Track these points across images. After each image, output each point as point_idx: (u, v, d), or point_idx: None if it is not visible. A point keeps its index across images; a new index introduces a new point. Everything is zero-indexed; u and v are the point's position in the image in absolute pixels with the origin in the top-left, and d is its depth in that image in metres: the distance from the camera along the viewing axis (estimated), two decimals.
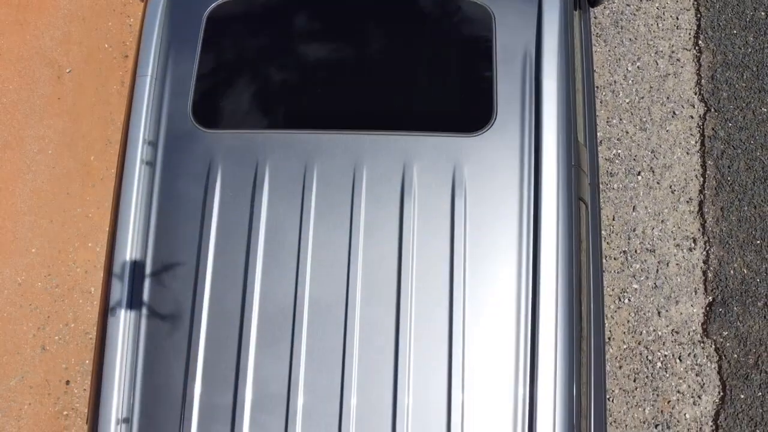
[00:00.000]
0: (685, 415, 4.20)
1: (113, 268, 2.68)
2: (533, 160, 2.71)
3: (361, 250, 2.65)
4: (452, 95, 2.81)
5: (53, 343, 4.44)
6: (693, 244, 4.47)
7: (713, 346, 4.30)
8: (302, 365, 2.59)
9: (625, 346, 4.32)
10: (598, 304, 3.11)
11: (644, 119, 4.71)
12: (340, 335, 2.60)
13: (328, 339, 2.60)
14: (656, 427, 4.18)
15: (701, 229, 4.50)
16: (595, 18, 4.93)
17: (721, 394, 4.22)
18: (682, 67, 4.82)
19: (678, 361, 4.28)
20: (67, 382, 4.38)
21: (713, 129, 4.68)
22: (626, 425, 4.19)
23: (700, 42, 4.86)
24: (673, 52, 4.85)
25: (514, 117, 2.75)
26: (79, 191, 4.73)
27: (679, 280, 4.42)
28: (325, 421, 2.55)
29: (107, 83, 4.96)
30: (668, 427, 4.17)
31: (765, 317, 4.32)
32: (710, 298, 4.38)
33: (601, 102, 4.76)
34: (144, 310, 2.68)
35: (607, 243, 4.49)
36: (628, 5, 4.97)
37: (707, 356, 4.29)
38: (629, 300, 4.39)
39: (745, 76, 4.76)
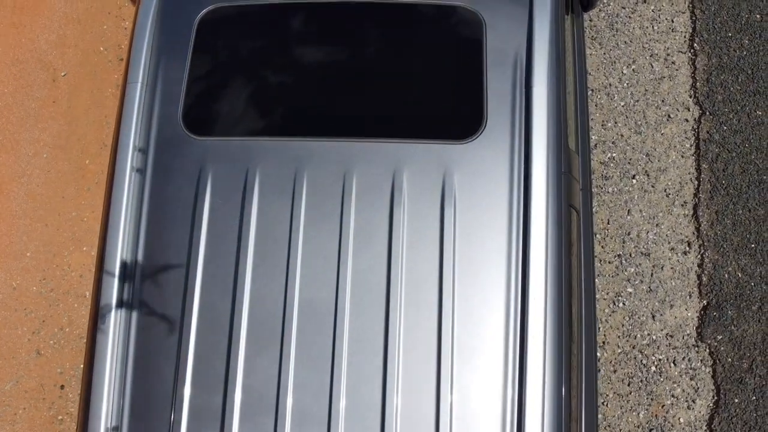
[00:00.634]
0: (679, 419, 4.20)
1: (103, 274, 2.67)
2: (523, 167, 2.71)
3: (350, 256, 2.65)
4: (442, 102, 2.81)
5: (48, 347, 4.44)
6: (688, 248, 4.47)
7: (707, 350, 4.30)
8: (291, 367, 2.59)
9: (619, 350, 4.32)
10: (590, 309, 3.11)
11: (639, 122, 4.71)
12: (330, 339, 2.61)
13: (317, 342, 2.60)
14: (650, 431, 4.18)
15: (696, 232, 4.50)
16: (590, 21, 4.93)
17: (716, 398, 4.22)
18: (677, 70, 4.81)
19: (672, 365, 4.28)
20: (62, 387, 4.38)
21: (708, 132, 4.67)
22: (620, 429, 4.19)
23: (695, 45, 4.86)
24: (668, 54, 4.85)
25: (504, 124, 2.75)
26: (74, 195, 4.73)
27: (673, 283, 4.42)
28: (315, 423, 2.55)
29: (102, 86, 4.96)
30: None
31: (759, 321, 4.32)
32: (705, 301, 4.38)
33: (596, 105, 4.76)
34: (134, 316, 2.68)
35: (602, 246, 4.49)
36: (623, 8, 4.97)
37: (702, 360, 4.29)
38: (624, 304, 4.39)
39: (740, 79, 4.76)
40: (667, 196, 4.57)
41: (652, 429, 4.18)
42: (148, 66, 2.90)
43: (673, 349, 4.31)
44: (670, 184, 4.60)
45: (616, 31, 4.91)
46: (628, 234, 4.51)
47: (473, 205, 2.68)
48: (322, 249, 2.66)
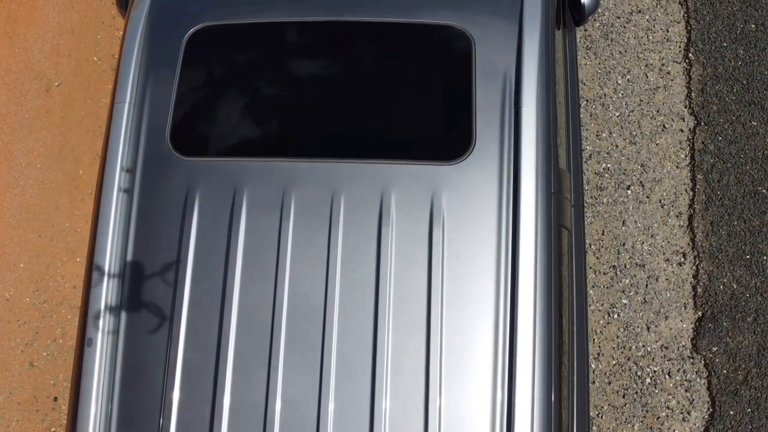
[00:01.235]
0: (674, 431, 4.18)
1: (90, 295, 2.67)
2: (512, 188, 2.70)
3: (338, 277, 2.64)
4: (430, 123, 2.80)
5: (41, 359, 4.43)
6: (682, 259, 4.46)
7: (703, 362, 4.29)
8: (280, 374, 2.58)
9: (614, 362, 4.30)
10: (581, 326, 3.10)
11: (634, 133, 4.70)
12: (317, 357, 2.60)
13: (305, 350, 2.59)
14: None
15: (691, 243, 4.49)
16: (584, 31, 4.92)
17: (711, 410, 4.21)
18: (672, 80, 4.80)
19: (667, 376, 4.27)
20: (55, 399, 4.37)
21: (703, 143, 4.66)
22: None
23: (690, 55, 4.85)
24: (663, 65, 4.84)
25: (493, 145, 2.73)
26: (67, 205, 4.72)
27: (668, 295, 4.41)
28: (303, 429, 2.54)
29: (96, 96, 4.94)
30: None
31: (755, 332, 4.30)
32: (700, 313, 4.37)
33: (590, 115, 4.74)
34: (121, 337, 2.67)
35: (597, 258, 4.48)
36: (618, 18, 4.95)
37: (697, 372, 4.28)
38: (618, 315, 4.38)
39: (735, 89, 4.75)
40: (662, 206, 4.56)
41: None
42: (135, 85, 2.89)
43: (668, 360, 4.30)
44: (665, 194, 4.58)
45: (611, 41, 4.90)
46: (623, 245, 4.50)
47: (462, 226, 2.66)
48: (310, 269, 2.65)
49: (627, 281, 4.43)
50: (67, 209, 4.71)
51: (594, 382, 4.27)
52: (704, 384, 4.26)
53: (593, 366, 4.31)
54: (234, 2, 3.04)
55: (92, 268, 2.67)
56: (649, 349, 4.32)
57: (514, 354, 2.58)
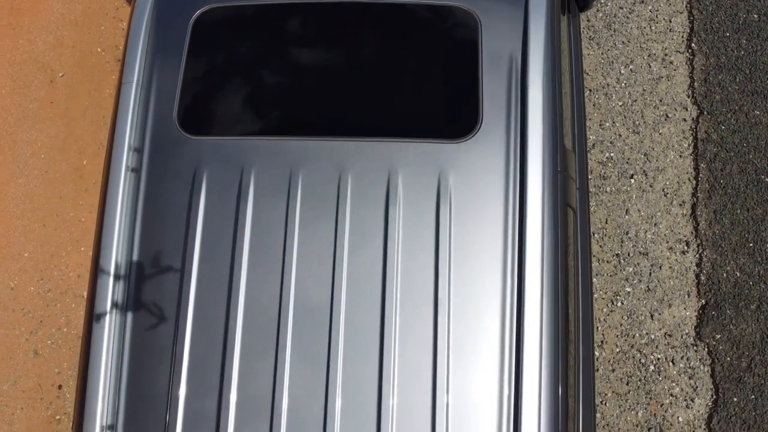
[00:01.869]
0: (678, 418, 4.19)
1: (98, 274, 2.67)
2: (519, 166, 2.70)
3: (346, 256, 2.64)
4: (437, 102, 2.80)
5: (46, 347, 4.44)
6: (686, 247, 4.47)
7: (706, 350, 4.29)
8: (287, 368, 2.58)
9: (617, 350, 4.31)
10: (587, 309, 3.10)
11: (637, 122, 4.71)
12: (325, 339, 2.60)
13: (312, 342, 2.60)
14: (649, 431, 4.17)
15: (694, 232, 4.49)
16: (588, 21, 4.93)
17: (714, 397, 4.22)
18: (675, 69, 4.81)
19: (671, 364, 4.28)
20: (60, 387, 4.37)
21: (706, 132, 4.67)
22: (619, 428, 4.18)
23: (693, 45, 4.86)
24: (666, 54, 4.85)
25: (500, 124, 2.74)
26: (71, 195, 4.72)
27: (672, 283, 4.41)
28: (310, 424, 2.54)
29: (100, 87, 4.95)
30: (661, 431, 4.17)
31: (758, 320, 4.31)
32: (703, 301, 4.38)
33: (593, 105, 4.75)
34: (129, 316, 2.68)
35: (600, 246, 4.49)
36: (621, 8, 4.96)
37: (700, 359, 4.28)
38: (622, 303, 4.39)
39: (737, 79, 4.76)
40: (666, 195, 4.57)
41: (651, 428, 4.17)
42: (143, 66, 2.90)
43: (671, 348, 4.30)
44: (668, 183, 4.59)
45: (614, 32, 4.91)
46: (627, 233, 4.50)
47: (469, 205, 2.67)
48: (318, 249, 2.66)
49: (630, 269, 4.44)
50: (71, 199, 4.72)
51: (598, 370, 4.28)
52: (708, 371, 4.26)
53: (597, 354, 4.31)
54: None
55: (100, 248, 2.68)
56: (652, 336, 4.33)
57: (522, 332, 2.58)
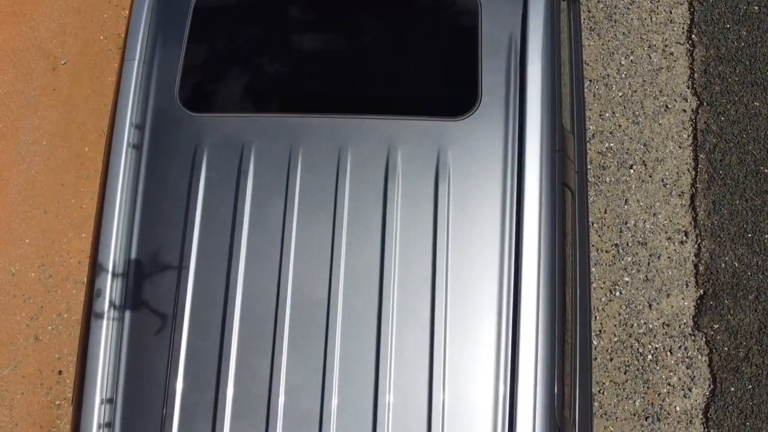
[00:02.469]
0: (675, 407, 4.20)
1: (99, 251, 2.69)
2: (517, 144, 2.72)
3: (344, 233, 2.66)
4: (437, 79, 2.82)
5: (46, 333, 4.46)
6: (685, 237, 4.48)
7: (704, 339, 4.31)
8: (284, 364, 2.58)
9: (616, 339, 4.32)
10: (584, 295, 3.11)
11: (637, 113, 4.72)
12: (322, 331, 2.59)
13: (309, 335, 2.59)
14: (646, 420, 4.18)
15: (693, 222, 4.51)
16: (588, 12, 4.95)
17: (712, 386, 4.23)
18: (675, 60, 4.83)
19: (669, 353, 4.29)
20: (60, 372, 4.39)
21: (706, 123, 4.69)
22: (616, 417, 4.20)
23: (693, 36, 4.88)
24: (666, 45, 4.86)
25: (499, 101, 2.76)
26: (73, 182, 4.74)
27: (670, 273, 4.43)
28: (306, 421, 2.54)
29: (102, 75, 4.97)
30: (658, 420, 4.18)
31: (756, 310, 4.32)
32: (701, 291, 4.39)
33: (594, 95, 4.77)
34: (129, 293, 2.69)
35: (599, 236, 4.50)
36: None
37: (698, 349, 4.30)
38: (620, 293, 4.40)
39: (737, 70, 4.77)
40: (665, 186, 4.58)
41: (648, 417, 4.19)
42: (145, 43, 2.92)
43: (669, 338, 4.32)
44: (667, 174, 4.61)
45: (615, 22, 4.93)
46: (625, 223, 4.52)
47: (467, 181, 2.69)
48: (317, 225, 2.67)
49: (629, 259, 4.46)
50: (72, 186, 4.73)
51: (596, 359, 4.29)
52: (705, 361, 4.27)
53: (595, 343, 4.33)
54: None
55: (101, 224, 2.69)
56: (650, 326, 4.34)
57: (518, 317, 2.59)
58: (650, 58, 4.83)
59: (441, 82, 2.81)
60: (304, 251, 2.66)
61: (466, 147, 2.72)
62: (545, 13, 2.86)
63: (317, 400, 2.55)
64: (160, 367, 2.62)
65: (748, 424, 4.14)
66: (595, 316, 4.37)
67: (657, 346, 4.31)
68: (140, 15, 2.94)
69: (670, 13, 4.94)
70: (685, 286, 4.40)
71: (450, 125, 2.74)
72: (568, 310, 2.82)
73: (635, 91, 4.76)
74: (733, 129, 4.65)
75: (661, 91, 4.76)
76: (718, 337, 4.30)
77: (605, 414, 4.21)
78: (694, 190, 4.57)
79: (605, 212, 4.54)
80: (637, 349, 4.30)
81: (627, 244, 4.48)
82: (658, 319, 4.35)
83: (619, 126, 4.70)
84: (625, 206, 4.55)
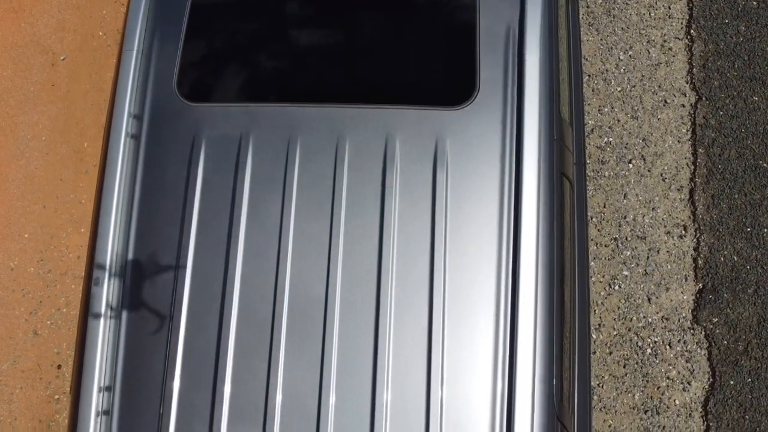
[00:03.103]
0: (674, 401, 4.20)
1: (97, 239, 2.68)
2: (515, 133, 2.72)
3: (342, 222, 2.65)
4: (435, 69, 2.82)
5: (45, 327, 4.46)
6: (683, 232, 4.48)
7: (703, 333, 4.31)
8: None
9: (615, 333, 4.32)
10: (583, 285, 3.11)
11: (636, 107, 4.73)
12: (320, 325, 2.58)
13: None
14: (645, 413, 4.18)
15: (692, 216, 4.51)
16: (587, 7, 4.95)
17: (711, 380, 4.23)
18: (674, 56, 4.83)
19: (668, 347, 4.29)
20: (59, 367, 4.39)
21: (704, 117, 4.69)
22: (616, 411, 4.20)
23: (692, 31, 4.88)
24: (665, 41, 4.87)
25: (497, 91, 2.76)
26: (72, 177, 4.74)
27: (669, 267, 4.43)
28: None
29: (101, 70, 4.98)
30: (657, 413, 4.18)
31: (755, 304, 4.32)
32: (700, 285, 4.39)
33: (592, 90, 4.77)
34: (127, 280, 2.68)
35: (598, 230, 4.50)
36: None
37: (697, 343, 4.30)
38: (619, 287, 4.40)
39: (736, 65, 4.77)
40: (664, 180, 4.58)
41: (648, 410, 4.19)
42: (144, 34, 2.92)
43: (668, 331, 4.32)
44: (666, 168, 4.61)
45: (614, 18, 4.93)
46: (624, 218, 4.52)
47: (465, 171, 2.69)
48: (315, 215, 2.67)
49: (628, 253, 4.46)
50: (71, 181, 4.73)
51: (595, 353, 4.29)
52: (704, 354, 4.27)
53: (594, 336, 4.33)
54: None
55: (99, 213, 2.69)
56: (649, 320, 4.34)
57: (517, 309, 2.57)
58: (649, 53, 4.84)
59: (439, 72, 2.81)
60: (301, 242, 2.65)
61: (464, 136, 2.72)
62: (544, 3, 2.86)
63: (315, 397, 2.54)
64: (158, 360, 2.61)
65: (747, 417, 4.14)
66: (594, 310, 4.37)
67: (656, 339, 4.31)
68: (139, 6, 2.94)
69: (669, 8, 4.94)
70: (684, 280, 4.40)
71: (448, 114, 2.74)
72: (566, 302, 2.82)
73: (634, 86, 4.77)
74: (732, 124, 4.66)
75: (659, 86, 4.77)
76: (718, 331, 4.30)
77: (604, 407, 4.21)
78: (693, 184, 4.57)
79: (604, 207, 4.54)
80: (636, 342, 4.30)
81: (626, 239, 4.48)
82: (658, 312, 4.35)
83: (618, 121, 4.70)
84: (624, 201, 4.55)
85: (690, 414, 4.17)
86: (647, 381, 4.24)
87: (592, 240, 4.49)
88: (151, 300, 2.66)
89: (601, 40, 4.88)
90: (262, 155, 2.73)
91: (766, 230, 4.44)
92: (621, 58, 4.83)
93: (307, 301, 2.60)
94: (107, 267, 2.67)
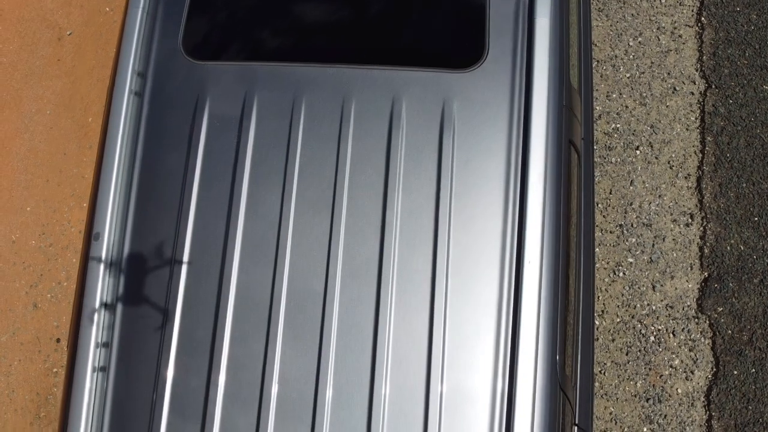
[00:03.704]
0: (677, 389, 4.16)
1: (98, 194, 2.65)
2: (523, 97, 2.68)
3: (347, 182, 2.62)
4: (444, 30, 2.78)
5: (45, 301, 4.43)
6: (690, 220, 4.44)
7: (707, 322, 4.26)
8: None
9: (618, 320, 4.28)
10: (588, 266, 3.07)
11: (644, 94, 4.69)
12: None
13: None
14: (647, 401, 4.14)
15: (699, 204, 4.47)
16: None
17: (714, 369, 4.18)
18: (683, 43, 4.79)
19: (671, 335, 4.25)
20: (58, 340, 4.37)
21: (713, 105, 4.65)
22: (617, 398, 4.16)
23: (702, 18, 4.84)
24: (675, 28, 4.83)
25: (506, 54, 2.72)
26: (75, 152, 4.72)
27: (675, 255, 4.39)
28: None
29: (107, 46, 4.95)
30: (660, 401, 4.14)
31: (760, 294, 4.28)
32: (706, 273, 4.35)
33: (601, 76, 4.73)
34: (127, 236, 2.65)
35: (603, 216, 4.46)
36: None
37: (701, 332, 4.25)
38: (624, 273, 4.36)
39: (747, 54, 4.73)
40: (671, 167, 4.54)
41: (650, 398, 4.14)
42: None
43: (672, 319, 4.28)
44: (673, 156, 4.57)
45: (624, 4, 4.89)
46: (630, 204, 4.48)
47: (472, 134, 2.65)
48: (318, 176, 2.64)
49: (633, 240, 4.42)
50: (75, 156, 4.71)
51: (598, 339, 4.25)
52: (708, 344, 4.23)
53: (597, 323, 4.29)
54: None
55: (101, 169, 2.67)
56: (654, 308, 4.30)
57: (521, 287, 2.53)
58: (659, 39, 4.80)
59: (448, 34, 2.78)
60: (304, 202, 2.61)
61: (472, 99, 2.68)
62: None
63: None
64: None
65: (750, 407, 4.10)
66: (598, 297, 4.33)
67: (660, 327, 4.26)
68: None
69: None
70: (689, 269, 4.36)
71: (456, 77, 2.71)
72: (571, 277, 2.78)
73: (643, 73, 4.73)
74: (741, 112, 4.61)
75: (669, 73, 4.73)
76: (722, 320, 4.26)
77: (606, 394, 4.16)
78: (700, 172, 4.53)
79: (610, 193, 4.50)
80: (640, 330, 4.26)
81: (632, 225, 4.44)
82: (662, 300, 4.31)
83: (626, 107, 4.67)
84: (631, 187, 4.51)
85: (692, 403, 4.13)
86: (650, 369, 4.20)
87: (597, 226, 4.46)
88: (151, 251, 2.63)
89: (611, 26, 4.84)
90: (266, 115, 2.70)
91: None
92: (630, 44, 4.80)
93: (308, 264, 2.57)
94: (107, 221, 2.64)
